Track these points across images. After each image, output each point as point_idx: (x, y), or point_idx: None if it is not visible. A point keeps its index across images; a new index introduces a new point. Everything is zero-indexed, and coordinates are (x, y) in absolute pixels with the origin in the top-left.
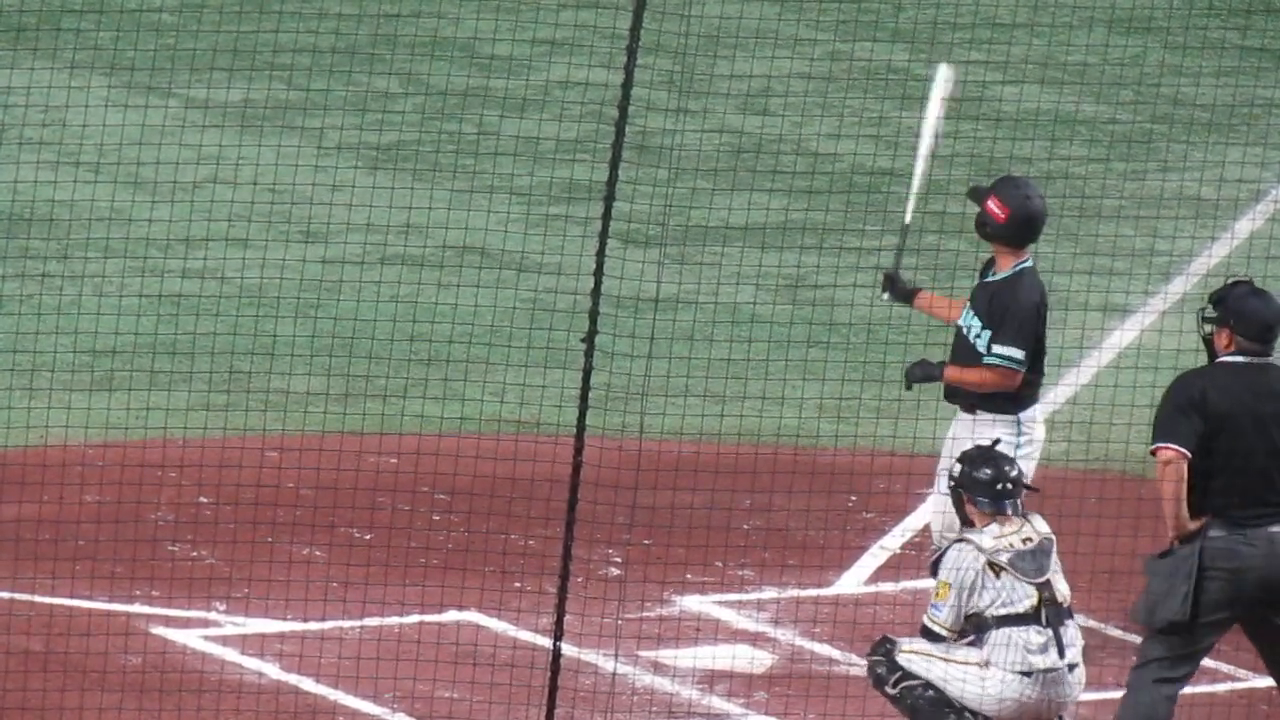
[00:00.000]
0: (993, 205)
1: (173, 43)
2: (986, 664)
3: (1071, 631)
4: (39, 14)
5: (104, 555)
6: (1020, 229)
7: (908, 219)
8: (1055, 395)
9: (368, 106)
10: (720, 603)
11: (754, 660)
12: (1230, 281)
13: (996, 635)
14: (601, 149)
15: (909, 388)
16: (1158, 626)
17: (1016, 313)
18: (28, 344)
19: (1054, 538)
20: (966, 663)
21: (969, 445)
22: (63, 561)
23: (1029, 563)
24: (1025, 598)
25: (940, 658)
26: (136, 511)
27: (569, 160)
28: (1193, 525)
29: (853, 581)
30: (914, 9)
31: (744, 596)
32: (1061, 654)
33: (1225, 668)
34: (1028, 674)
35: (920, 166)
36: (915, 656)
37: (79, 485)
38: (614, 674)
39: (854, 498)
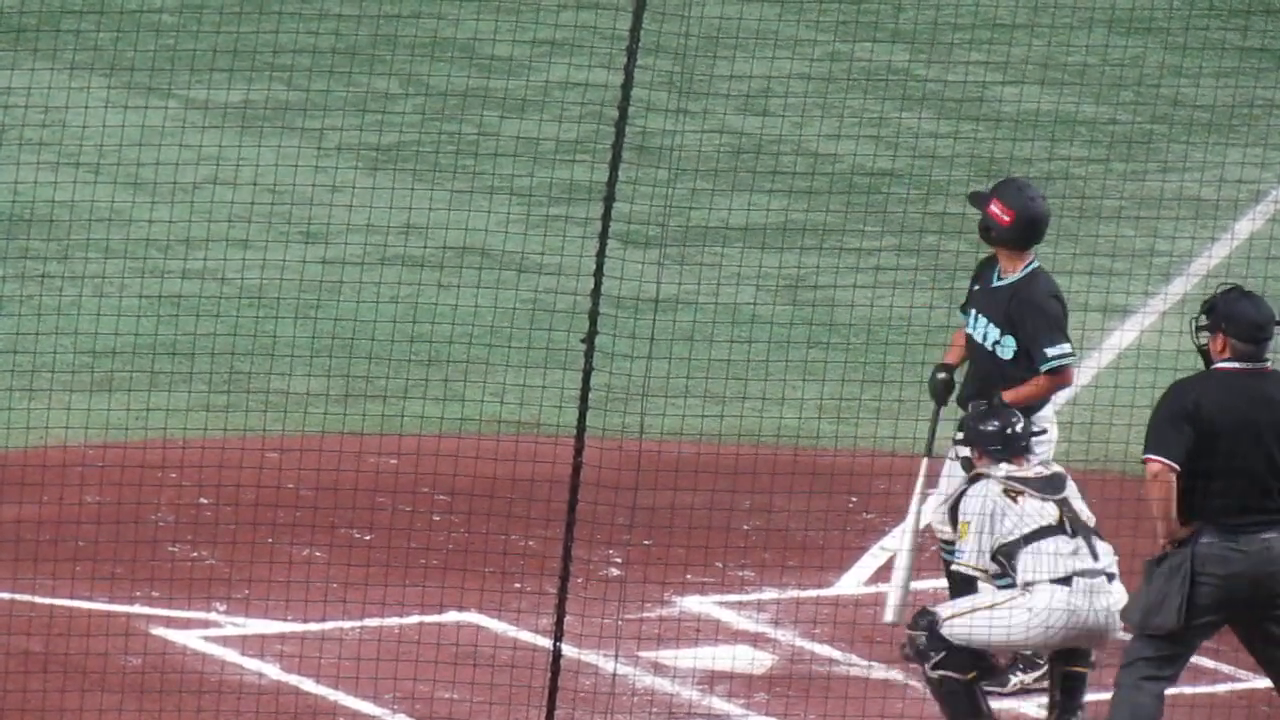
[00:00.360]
0: (996, 209)
1: (173, 43)
2: (1026, 587)
3: (1102, 544)
4: (39, 15)
5: (104, 556)
6: (1026, 231)
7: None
8: (1056, 395)
9: (368, 107)
10: (720, 603)
11: (754, 661)
12: (1219, 289)
13: (1026, 551)
14: (601, 150)
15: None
16: (1150, 632)
17: (1047, 311)
18: (28, 345)
19: (1068, 476)
20: (1009, 601)
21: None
22: (63, 562)
23: (1044, 484)
24: (1047, 513)
25: (981, 609)
26: (136, 512)
27: (569, 161)
28: (1183, 532)
29: (853, 582)
30: (914, 10)
31: (744, 597)
32: (1095, 557)
33: (1225, 668)
34: (1066, 581)
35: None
36: (957, 621)
37: (79, 486)
38: (614, 675)
39: (854, 498)
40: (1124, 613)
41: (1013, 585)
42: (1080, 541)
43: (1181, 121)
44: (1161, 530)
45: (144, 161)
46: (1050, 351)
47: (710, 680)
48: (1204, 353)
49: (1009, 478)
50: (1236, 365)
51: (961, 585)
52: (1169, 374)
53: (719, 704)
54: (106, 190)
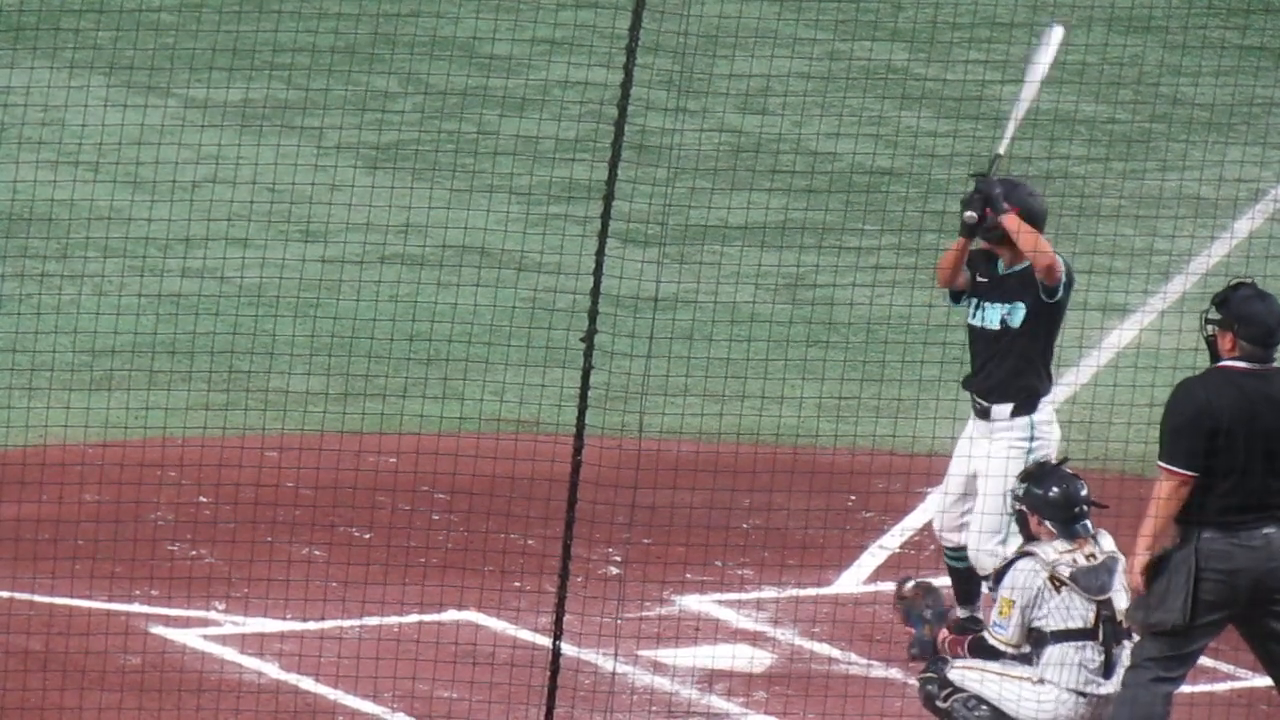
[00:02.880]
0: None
1: (172, 42)
2: (1041, 681)
3: (1126, 652)
4: (39, 13)
5: (103, 555)
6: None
7: (1002, 149)
8: (1055, 395)
9: (367, 106)
10: (720, 602)
11: (753, 659)
12: (1233, 283)
13: (1052, 651)
14: (601, 148)
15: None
16: (1156, 628)
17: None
18: (27, 343)
19: (1120, 556)
20: (1021, 679)
21: (989, 445)
22: (62, 561)
23: (1091, 579)
24: (1083, 613)
25: (993, 673)
26: (136, 511)
27: (568, 160)
28: (1165, 539)
29: (852, 581)
30: (913, 8)
31: (743, 596)
32: (1109, 675)
33: (1225, 667)
34: (1083, 695)
35: (1022, 110)
36: (969, 672)
37: (79, 485)
38: (614, 673)
39: (853, 497)
40: (1129, 612)
41: (1031, 664)
42: (1104, 657)
43: (1181, 120)
44: (1154, 530)
45: (143, 160)
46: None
47: (710, 679)
48: (1210, 344)
49: (1058, 566)
50: (1243, 365)
51: (964, 583)
52: (1169, 373)
53: (718, 702)
54: (106, 189)
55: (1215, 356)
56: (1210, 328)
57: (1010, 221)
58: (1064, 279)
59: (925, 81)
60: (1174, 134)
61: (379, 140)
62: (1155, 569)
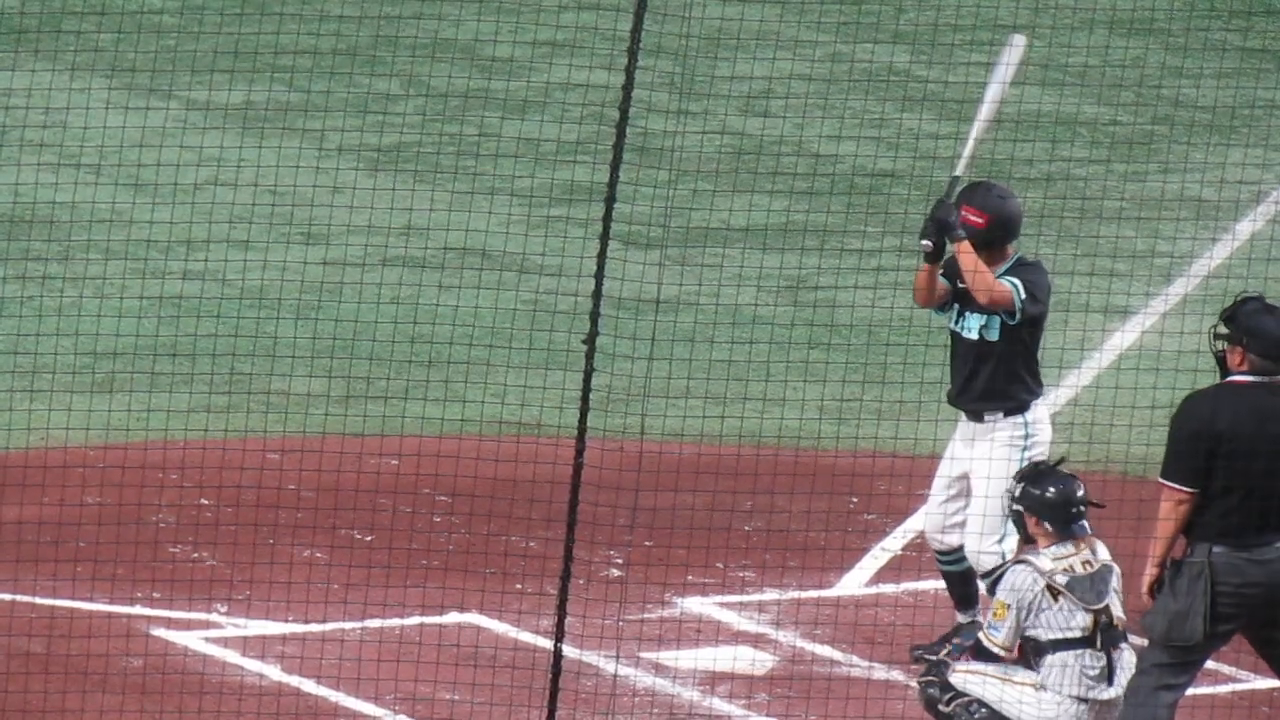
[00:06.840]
0: (969, 215)
1: (173, 45)
2: (1042, 687)
3: (1126, 656)
4: (40, 16)
5: (105, 557)
6: (1003, 229)
7: (960, 170)
8: (1056, 396)
9: (368, 108)
10: (721, 604)
11: (755, 662)
12: (1240, 298)
13: (1052, 659)
14: (602, 151)
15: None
16: (1176, 644)
17: (1033, 277)
18: (29, 346)
19: (1115, 566)
20: (1022, 684)
21: (984, 445)
22: (63, 563)
23: (1087, 587)
24: (1081, 622)
25: (995, 677)
26: (137, 513)
27: (570, 162)
28: (1175, 551)
29: (854, 583)
30: (914, 11)
31: (745, 598)
32: (1111, 681)
33: (1226, 669)
34: (1085, 701)
35: (979, 128)
36: (970, 676)
37: (80, 487)
38: (615, 676)
39: (855, 499)
40: (1148, 626)
41: (1031, 669)
42: (1104, 662)
43: (1182, 122)
44: (1159, 550)
45: (145, 163)
46: (1008, 279)
47: (711, 681)
48: (1220, 361)
49: (1054, 575)
50: (1251, 379)
51: (961, 586)
52: (1170, 375)
53: (720, 705)
54: (107, 191)
55: (1225, 372)
56: (1220, 344)
57: (963, 255)
58: (1020, 302)
59: (927, 84)
60: (1175, 136)
61: (380, 142)
62: (1169, 582)
